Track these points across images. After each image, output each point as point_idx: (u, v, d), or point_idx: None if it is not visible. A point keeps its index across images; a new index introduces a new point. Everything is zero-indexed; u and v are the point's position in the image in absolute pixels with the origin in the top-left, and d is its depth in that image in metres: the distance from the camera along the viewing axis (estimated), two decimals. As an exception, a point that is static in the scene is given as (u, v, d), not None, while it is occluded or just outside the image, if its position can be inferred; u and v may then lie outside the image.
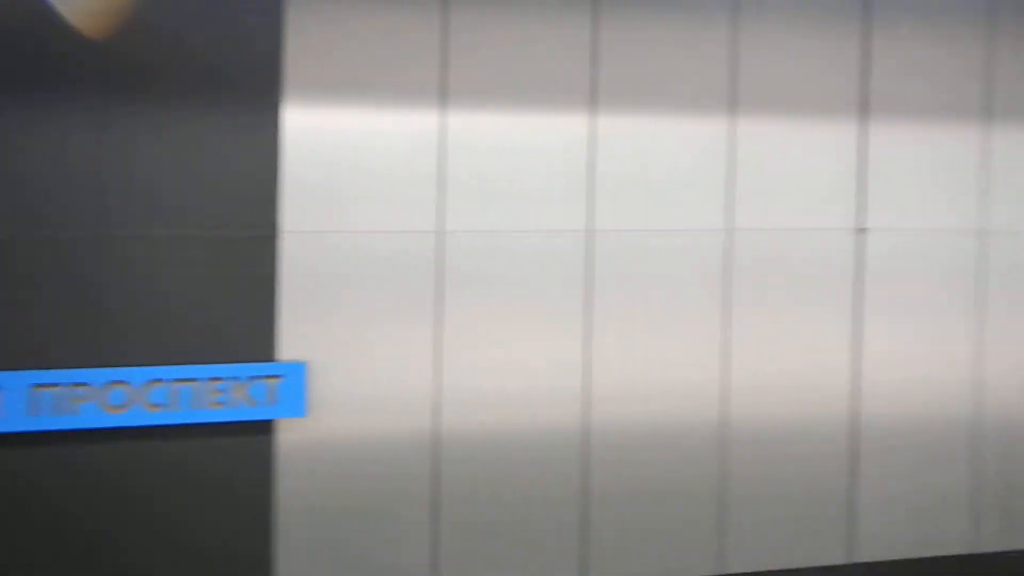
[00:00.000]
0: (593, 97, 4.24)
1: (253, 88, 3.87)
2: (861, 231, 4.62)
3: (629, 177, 4.31)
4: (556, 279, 4.24)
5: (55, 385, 3.66)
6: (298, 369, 3.90)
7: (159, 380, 3.76)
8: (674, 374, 4.40)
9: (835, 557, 4.66)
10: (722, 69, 4.40)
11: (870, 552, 4.69)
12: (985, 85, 4.77)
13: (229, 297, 3.88)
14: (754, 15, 4.43)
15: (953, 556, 4.81)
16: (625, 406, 4.34)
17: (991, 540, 4.86)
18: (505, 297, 4.19)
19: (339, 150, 3.98)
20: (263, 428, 3.93)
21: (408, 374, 4.08)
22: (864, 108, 4.60)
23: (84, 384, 3.69)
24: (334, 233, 3.97)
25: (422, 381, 4.10)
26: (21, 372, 3.64)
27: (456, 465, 4.15)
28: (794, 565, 4.59)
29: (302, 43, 3.90)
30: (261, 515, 3.95)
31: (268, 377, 3.87)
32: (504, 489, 4.22)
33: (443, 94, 4.07)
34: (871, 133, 4.61)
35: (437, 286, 4.10)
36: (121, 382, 3.73)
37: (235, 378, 3.84)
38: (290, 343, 3.93)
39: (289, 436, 3.96)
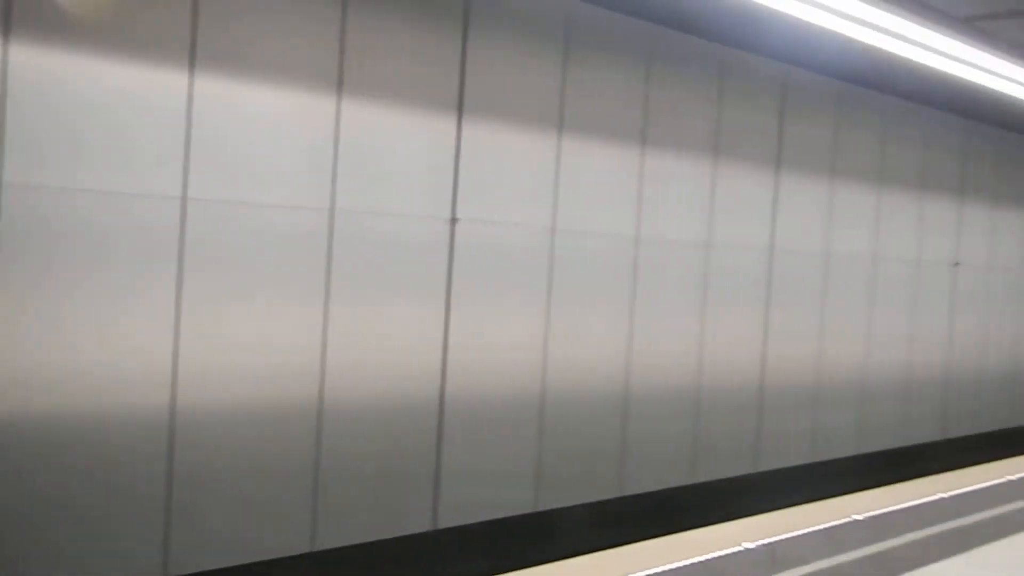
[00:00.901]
0: (192, 60, 3.75)
1: None
2: (454, 221, 4.70)
3: (230, 146, 3.89)
4: (128, 250, 3.69)
5: None
6: None
7: None
8: (271, 355, 4.06)
9: (422, 525, 4.69)
10: (333, 53, 4.18)
11: (452, 519, 4.79)
12: (560, 100, 5.16)
13: None
14: (363, 4, 4.27)
15: (519, 516, 5.12)
16: (219, 388, 3.91)
17: (549, 500, 5.26)
18: (70, 265, 3.53)
19: None
20: None
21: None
22: (461, 107, 4.69)
23: None
24: None
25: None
26: None
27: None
28: (384, 536, 4.52)
29: None
30: None
31: None
32: (79, 475, 3.56)
33: (6, 27, 3.31)
34: (465, 129, 4.72)
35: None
36: None
37: None
38: None
39: None
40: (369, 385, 4.41)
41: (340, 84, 4.20)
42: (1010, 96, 5.80)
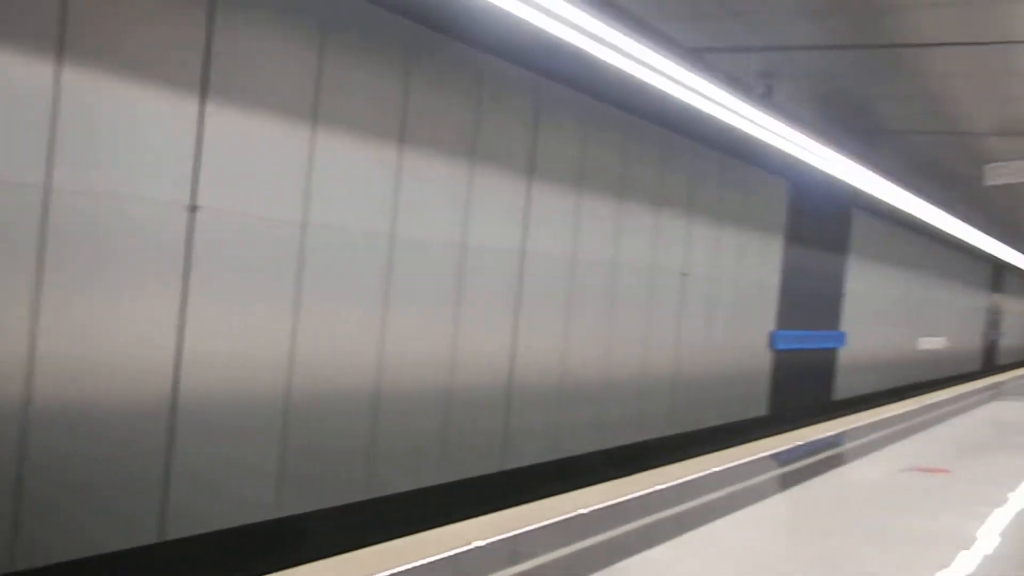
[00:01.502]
0: None
1: None
2: (194, 208, 4.34)
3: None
4: None
5: None
6: None
7: None
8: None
9: (146, 537, 4.27)
10: (53, 16, 3.69)
11: (183, 528, 4.41)
12: (317, 91, 4.94)
13: None
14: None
15: (259, 523, 4.82)
16: None
17: (293, 504, 5.01)
18: None
19: None
20: None
21: None
22: (204, 90, 4.34)
23: None
24: None
25: None
26: None
27: None
28: (99, 551, 4.06)
29: None
30: None
31: None
32: None
33: None
34: (209, 112, 4.38)
35: None
36: None
37: None
38: None
39: None
40: (88, 383, 3.95)
41: (61, 50, 3.72)
42: (729, 125, 6.37)
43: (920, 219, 11.84)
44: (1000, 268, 22.41)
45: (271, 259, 4.77)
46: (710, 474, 4.81)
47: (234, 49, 4.43)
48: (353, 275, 5.29)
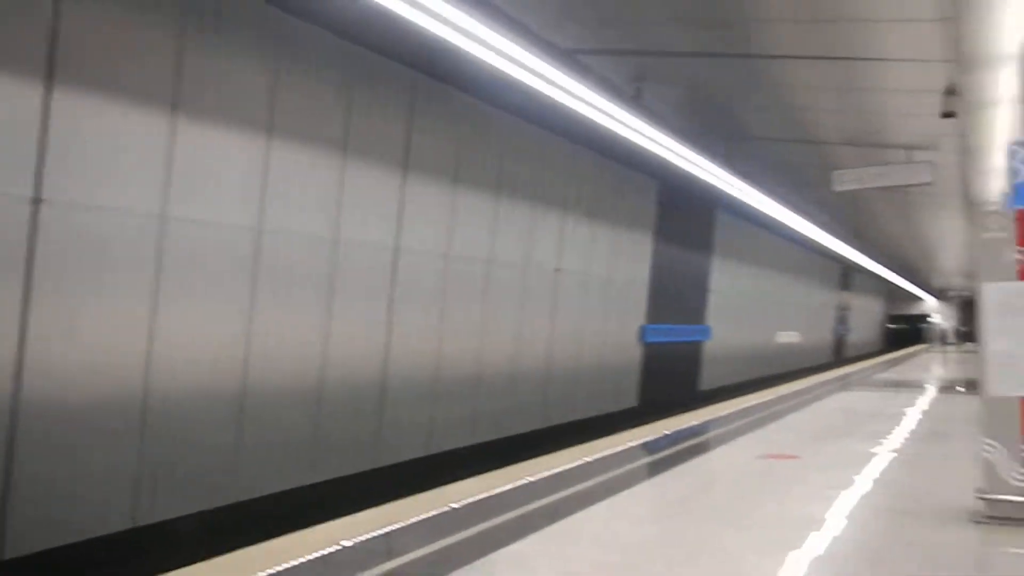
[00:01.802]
0: None
1: None
2: (37, 201, 4.02)
3: None
4: None
5: None
6: None
7: None
8: None
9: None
10: None
11: (24, 545, 4.07)
12: (177, 78, 4.68)
13: None
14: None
15: (113, 534, 4.52)
16: None
17: (151, 512, 4.73)
18: None
19: None
20: None
21: None
22: (51, 70, 4.02)
23: None
24: None
25: None
26: None
27: None
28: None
29: None
30: None
31: None
32: None
33: None
34: (57, 99, 4.06)
35: None
36: None
37: None
38: None
39: None
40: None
41: None
42: (603, 126, 6.48)
43: (777, 221, 12.47)
44: (848, 269, 23.94)
45: (127, 254, 4.48)
46: (581, 464, 4.87)
47: (85, 29, 4.13)
48: (216, 271, 5.04)
